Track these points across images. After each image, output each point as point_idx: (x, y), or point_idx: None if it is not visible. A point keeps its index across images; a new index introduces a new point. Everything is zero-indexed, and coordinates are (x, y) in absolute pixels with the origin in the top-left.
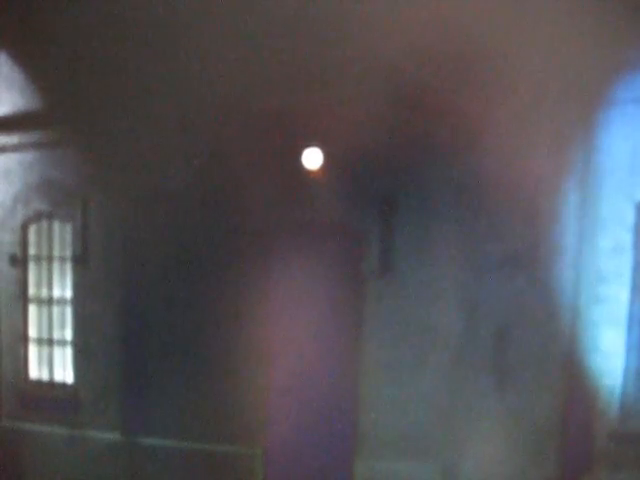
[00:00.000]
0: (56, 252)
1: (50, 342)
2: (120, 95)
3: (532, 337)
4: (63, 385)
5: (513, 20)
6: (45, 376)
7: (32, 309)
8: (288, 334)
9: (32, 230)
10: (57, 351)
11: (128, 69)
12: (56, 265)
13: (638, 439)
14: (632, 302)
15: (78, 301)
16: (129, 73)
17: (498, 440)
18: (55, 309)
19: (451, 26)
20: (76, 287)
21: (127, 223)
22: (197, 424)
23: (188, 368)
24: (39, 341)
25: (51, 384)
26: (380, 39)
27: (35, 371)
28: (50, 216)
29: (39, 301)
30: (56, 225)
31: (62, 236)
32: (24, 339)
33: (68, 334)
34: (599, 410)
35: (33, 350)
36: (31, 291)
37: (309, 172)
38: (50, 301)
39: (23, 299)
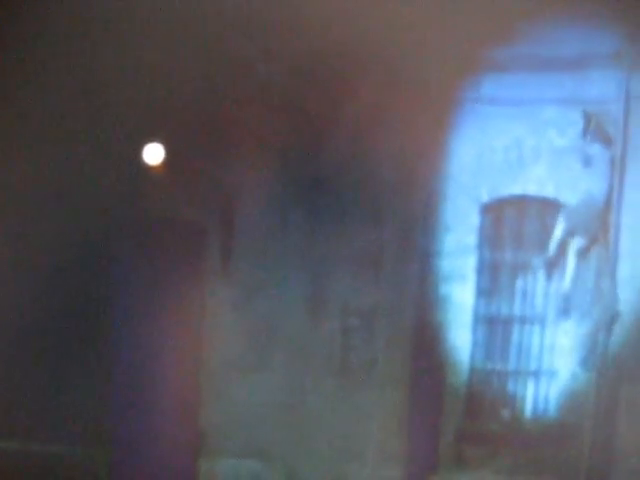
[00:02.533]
0: None
1: None
2: None
3: (377, 336)
4: None
5: (362, 17)
6: None
7: None
8: (131, 334)
9: None
10: None
11: None
12: None
13: (483, 438)
14: (476, 302)
15: None
16: None
17: (343, 440)
18: None
19: (300, 24)
20: None
21: None
22: (43, 426)
23: (36, 370)
24: None
25: None
26: (227, 36)
27: None
28: None
29: None
30: None
31: None
32: None
33: None
34: (445, 409)
35: None
36: None
37: (151, 168)
38: None
39: None
